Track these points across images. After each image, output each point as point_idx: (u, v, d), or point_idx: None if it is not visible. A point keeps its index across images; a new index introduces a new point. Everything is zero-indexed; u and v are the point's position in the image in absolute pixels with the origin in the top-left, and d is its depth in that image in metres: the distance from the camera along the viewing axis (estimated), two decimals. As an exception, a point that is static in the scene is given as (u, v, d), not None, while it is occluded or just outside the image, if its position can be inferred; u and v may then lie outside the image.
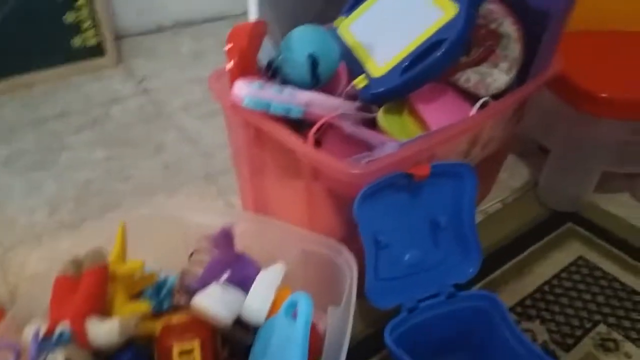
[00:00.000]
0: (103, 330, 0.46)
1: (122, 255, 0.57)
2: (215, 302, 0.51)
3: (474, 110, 0.74)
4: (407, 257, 0.68)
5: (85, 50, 1.41)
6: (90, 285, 0.49)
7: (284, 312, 0.51)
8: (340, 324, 0.53)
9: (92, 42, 1.41)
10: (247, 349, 0.54)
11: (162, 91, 1.34)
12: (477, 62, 0.76)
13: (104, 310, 0.49)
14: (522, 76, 0.76)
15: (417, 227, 0.69)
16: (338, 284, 0.59)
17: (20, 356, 0.46)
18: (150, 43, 1.58)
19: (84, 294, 0.48)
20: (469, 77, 0.76)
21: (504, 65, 0.75)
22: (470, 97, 0.77)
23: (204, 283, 0.57)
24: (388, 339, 0.59)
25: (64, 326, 0.46)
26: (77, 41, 1.39)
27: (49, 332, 0.46)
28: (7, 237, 0.92)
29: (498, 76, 0.75)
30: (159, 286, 0.59)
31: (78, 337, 0.45)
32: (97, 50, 1.43)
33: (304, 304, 0.49)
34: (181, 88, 1.35)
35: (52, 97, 1.31)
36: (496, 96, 0.75)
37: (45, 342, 0.45)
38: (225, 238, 0.61)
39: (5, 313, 0.52)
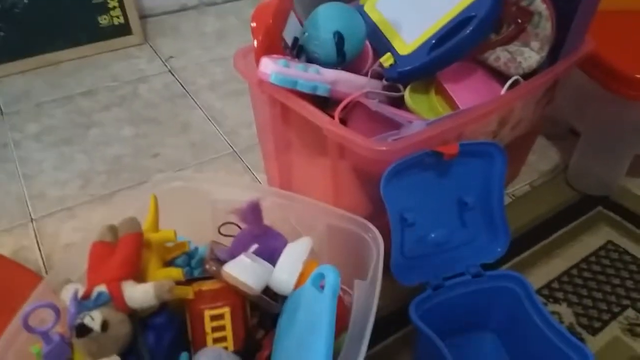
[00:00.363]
0: (139, 293, 0.47)
1: (155, 224, 0.58)
2: (244, 270, 0.52)
3: (504, 90, 0.73)
4: (433, 235, 0.68)
5: (112, 28, 1.42)
6: (127, 250, 0.50)
7: (312, 282, 0.51)
8: (367, 297, 0.54)
9: (118, 20, 1.42)
10: (275, 318, 0.55)
11: (187, 70, 1.35)
12: (508, 41, 0.74)
13: (138, 276, 0.51)
14: (553, 56, 0.74)
15: (444, 206, 0.68)
16: (364, 260, 0.59)
17: (59, 315, 0.48)
18: (175, 22, 1.58)
19: (121, 258, 0.49)
20: (498, 56, 0.75)
21: (535, 43, 0.73)
22: (500, 76, 0.76)
23: (232, 254, 0.57)
24: (413, 314, 0.60)
25: (101, 288, 0.47)
26: (103, 20, 1.41)
27: (87, 295, 0.47)
28: (40, 208, 0.94)
29: (529, 55, 0.73)
30: (190, 256, 0.60)
31: (115, 300, 0.47)
32: (123, 29, 1.44)
33: (332, 275, 0.49)
34: (205, 67, 1.36)
35: (79, 75, 1.33)
36: (526, 76, 0.74)
37: (84, 303, 0.46)
38: (253, 212, 0.62)
39: (40, 280, 0.53)
